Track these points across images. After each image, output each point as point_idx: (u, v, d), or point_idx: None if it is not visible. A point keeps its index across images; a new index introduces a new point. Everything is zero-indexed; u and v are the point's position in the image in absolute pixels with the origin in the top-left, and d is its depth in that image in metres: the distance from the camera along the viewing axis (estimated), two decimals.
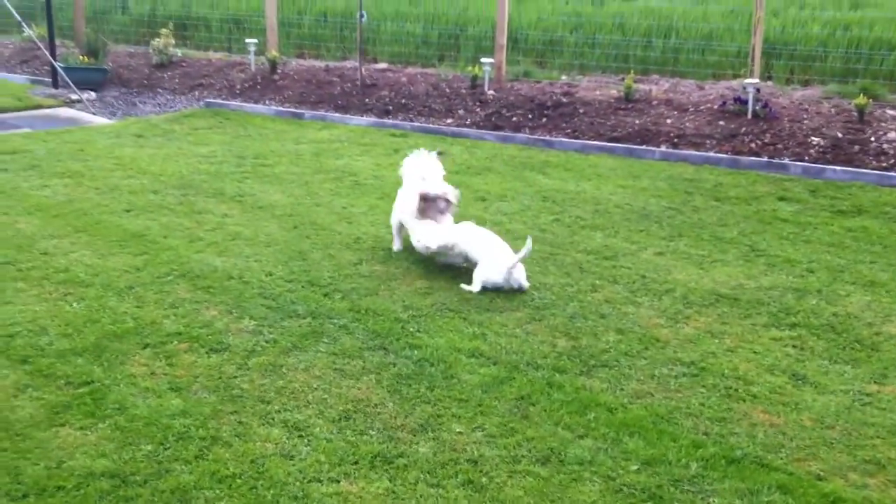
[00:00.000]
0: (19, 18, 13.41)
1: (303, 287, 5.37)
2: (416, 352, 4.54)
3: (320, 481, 3.46)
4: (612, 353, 4.57)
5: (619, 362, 4.48)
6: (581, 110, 10.42)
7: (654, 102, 10.51)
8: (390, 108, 11.20)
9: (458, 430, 3.84)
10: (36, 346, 4.52)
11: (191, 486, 3.41)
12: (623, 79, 11.22)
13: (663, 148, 9.17)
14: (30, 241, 6.06)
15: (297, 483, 3.44)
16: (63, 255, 5.80)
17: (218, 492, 3.39)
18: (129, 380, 4.19)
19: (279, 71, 12.90)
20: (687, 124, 9.71)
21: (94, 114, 11.29)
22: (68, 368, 4.29)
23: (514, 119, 10.41)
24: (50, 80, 12.78)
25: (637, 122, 9.90)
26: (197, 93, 12.54)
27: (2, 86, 12.83)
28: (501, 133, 9.95)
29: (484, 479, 3.49)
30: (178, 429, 3.79)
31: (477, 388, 4.19)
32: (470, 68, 11.81)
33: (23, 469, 3.50)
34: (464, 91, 11.45)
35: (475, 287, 5.37)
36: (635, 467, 3.58)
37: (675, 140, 9.34)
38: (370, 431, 3.82)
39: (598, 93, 11.12)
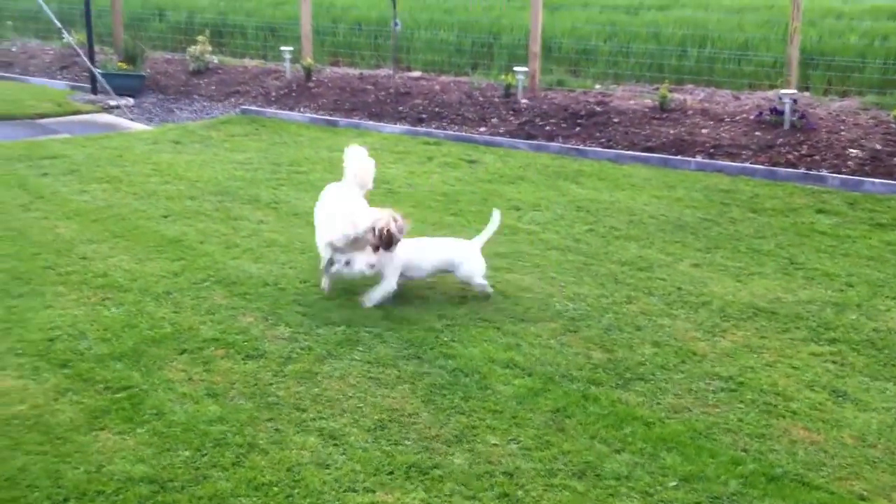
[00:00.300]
0: (59, 25, 13.62)
1: (337, 294, 5.39)
2: (450, 361, 4.54)
3: (356, 491, 3.47)
4: (649, 367, 4.53)
5: (655, 376, 4.44)
6: (615, 119, 10.38)
7: (690, 112, 10.45)
8: (424, 116, 11.23)
9: (493, 441, 3.82)
10: (75, 350, 4.58)
11: (228, 493, 3.43)
12: (658, 88, 11.16)
13: (699, 158, 9.09)
14: (69, 245, 6.15)
15: (333, 492, 3.45)
16: (102, 260, 5.87)
17: (255, 499, 3.40)
18: (166, 385, 4.23)
19: (314, 78, 12.99)
20: (723, 134, 9.62)
21: (132, 120, 11.44)
22: (107, 373, 4.34)
23: (548, 128, 10.38)
24: (89, 86, 12.96)
25: (672, 131, 9.84)
26: (233, 100, 12.65)
27: (42, 92, 13.05)
28: (535, 142, 9.93)
29: (520, 493, 3.47)
30: (216, 435, 3.81)
31: (512, 399, 4.18)
32: (503, 77, 11.82)
33: (63, 473, 3.54)
34: (497, 99, 11.45)
35: (487, 287, 5.37)
36: (673, 483, 3.54)
37: (711, 150, 9.26)
38: (405, 441, 3.82)
39: (632, 102, 11.07)
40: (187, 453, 3.68)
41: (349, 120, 11.16)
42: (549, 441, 3.83)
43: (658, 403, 4.17)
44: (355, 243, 5.21)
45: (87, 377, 4.29)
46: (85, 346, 4.63)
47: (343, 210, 5.29)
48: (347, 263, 5.24)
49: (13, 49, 16.48)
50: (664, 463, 3.67)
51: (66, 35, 13.94)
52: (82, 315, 5.01)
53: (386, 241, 5.11)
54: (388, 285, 5.25)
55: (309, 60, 13.15)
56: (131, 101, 12.44)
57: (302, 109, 11.84)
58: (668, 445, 3.80)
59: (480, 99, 11.59)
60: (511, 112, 11.00)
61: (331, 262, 5.31)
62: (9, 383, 4.23)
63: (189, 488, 3.46)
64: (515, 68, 11.58)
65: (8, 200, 7.19)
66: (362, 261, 5.21)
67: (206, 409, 4.02)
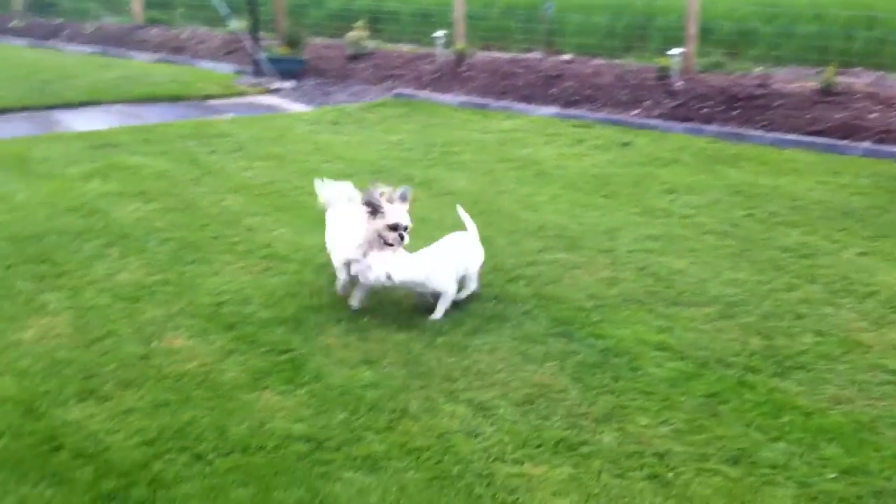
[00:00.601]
0: (227, 11, 14.30)
1: (487, 272, 5.43)
2: (599, 341, 4.51)
3: (504, 461, 3.51)
4: (809, 356, 4.35)
5: (816, 365, 4.26)
6: (776, 103, 9.94)
7: (857, 96, 9.88)
8: (575, 98, 11.12)
9: (643, 422, 3.78)
10: (241, 314, 4.84)
11: (381, 455, 3.54)
12: (821, 71, 10.61)
13: (867, 144, 8.60)
14: (235, 217, 6.49)
15: (482, 461, 3.51)
16: (265, 232, 6.16)
17: (406, 462, 3.50)
18: (324, 351, 4.41)
19: (465, 62, 13.09)
20: (893, 120, 9.05)
21: (293, 102, 11.90)
22: (270, 337, 4.56)
23: (704, 111, 10.07)
24: (253, 69, 13.56)
25: (838, 116, 9.34)
26: (388, 83, 12.93)
27: (209, 75, 13.75)
28: (690, 125, 9.66)
29: (670, 475, 3.42)
30: (370, 399, 3.95)
31: (663, 382, 4.11)
32: (657, 59, 11.53)
33: (228, 427, 3.76)
34: (650, 82, 11.18)
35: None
36: (833, 475, 3.40)
37: (881, 136, 8.73)
38: (553, 417, 3.83)
39: (794, 85, 10.57)
40: (343, 415, 3.83)
41: (500, 103, 11.19)
42: (701, 425, 3.75)
43: (819, 394, 3.99)
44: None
45: (251, 340, 4.53)
46: (250, 310, 4.88)
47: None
48: (367, 268, 4.73)
49: (183, 35, 17.43)
50: (823, 454, 3.53)
51: (231, 22, 14.62)
52: (247, 282, 5.28)
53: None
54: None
55: (461, 45, 13.26)
56: (292, 83, 12.93)
57: (453, 93, 11.97)
58: (828, 436, 3.64)
59: (633, 82, 11.35)
60: (665, 94, 10.73)
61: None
62: (180, 342, 4.52)
63: (344, 448, 3.60)
64: (671, 51, 11.28)
65: (180, 175, 7.65)
66: (380, 266, 4.71)
67: (361, 374, 4.17)
